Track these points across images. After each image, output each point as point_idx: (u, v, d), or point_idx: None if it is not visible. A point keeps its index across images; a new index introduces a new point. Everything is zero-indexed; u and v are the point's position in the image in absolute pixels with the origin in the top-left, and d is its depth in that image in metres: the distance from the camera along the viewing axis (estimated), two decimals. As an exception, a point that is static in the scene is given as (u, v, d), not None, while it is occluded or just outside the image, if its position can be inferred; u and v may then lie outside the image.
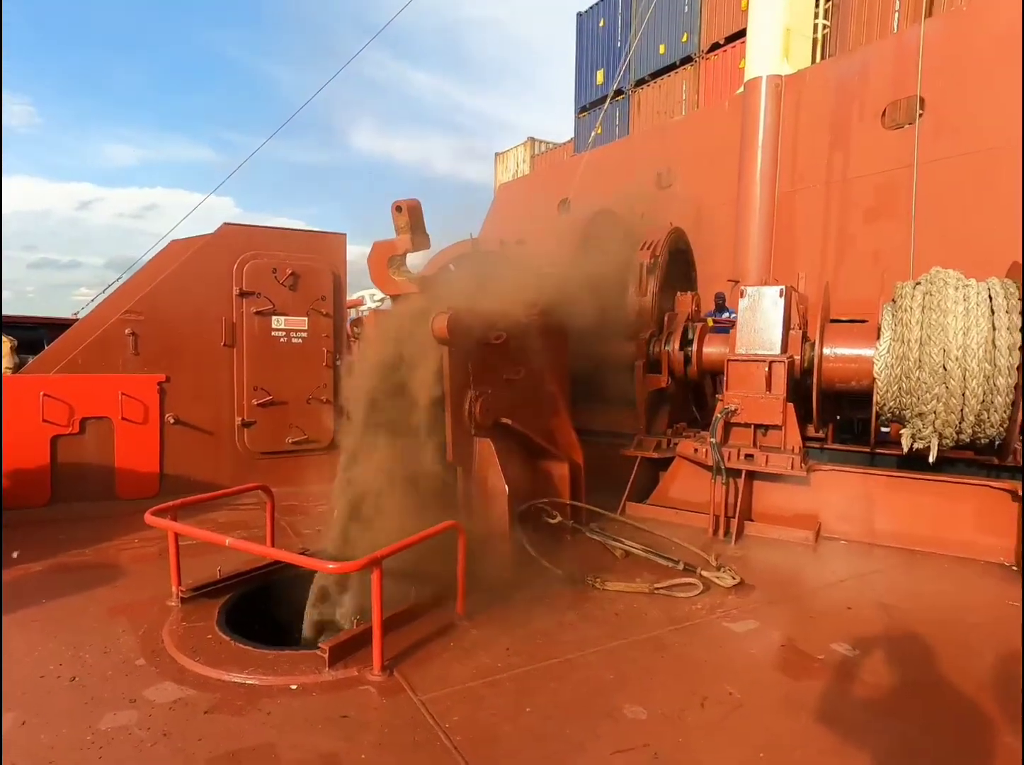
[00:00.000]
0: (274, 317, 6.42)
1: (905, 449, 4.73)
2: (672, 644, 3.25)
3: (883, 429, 5.55)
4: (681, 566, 4.14)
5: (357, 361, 4.18)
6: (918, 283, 4.73)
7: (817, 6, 9.72)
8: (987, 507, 4.57)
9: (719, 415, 5.21)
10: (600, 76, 18.18)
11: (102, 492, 5.62)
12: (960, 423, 4.47)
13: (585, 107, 19.04)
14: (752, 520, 5.15)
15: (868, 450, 5.59)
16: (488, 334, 3.98)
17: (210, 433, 6.20)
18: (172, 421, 5.98)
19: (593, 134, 13.97)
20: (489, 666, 2.95)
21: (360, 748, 2.40)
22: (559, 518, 4.55)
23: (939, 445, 4.56)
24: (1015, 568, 4.33)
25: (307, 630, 3.58)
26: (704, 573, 4.01)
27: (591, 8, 18.72)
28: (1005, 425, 4.38)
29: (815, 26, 9.56)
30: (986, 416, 4.41)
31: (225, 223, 6.33)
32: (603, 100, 13.21)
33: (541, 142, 23.04)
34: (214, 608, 3.48)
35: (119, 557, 4.47)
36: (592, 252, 5.08)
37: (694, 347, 5.91)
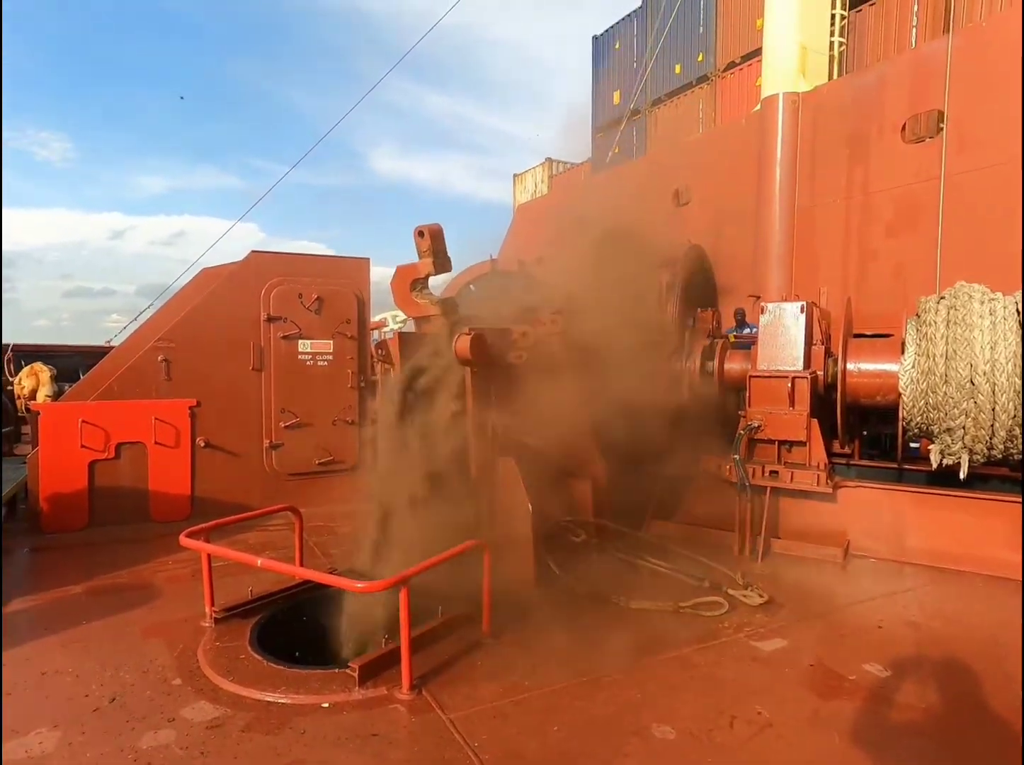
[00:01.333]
0: (300, 341, 6.56)
1: (934, 465, 4.66)
2: (699, 663, 3.24)
3: (913, 445, 5.48)
4: (707, 584, 4.12)
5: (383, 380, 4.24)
6: (942, 297, 4.70)
7: (832, 23, 9.79)
8: (1020, 524, 4.48)
9: (742, 431, 5.20)
10: (616, 97, 18.36)
11: (137, 515, 5.77)
12: (991, 439, 4.40)
13: (602, 127, 19.22)
14: (779, 537, 5.11)
15: (896, 466, 5.52)
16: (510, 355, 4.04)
17: (239, 455, 6.33)
18: (203, 444, 6.11)
19: (610, 154, 14.10)
20: (516, 684, 2.97)
21: (390, 766, 2.44)
22: (583, 536, 4.56)
23: (970, 461, 4.49)
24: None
25: None
26: (730, 591, 4.00)
27: (606, 31, 18.96)
28: (1038, 440, 4.31)
29: (831, 43, 9.62)
30: (1018, 431, 4.34)
31: (252, 251, 6.51)
32: (620, 120, 13.36)
33: (559, 162, 23.26)
34: (246, 628, 3.56)
35: (154, 578, 4.59)
36: (610, 274, 5.12)
37: (715, 363, 5.91)
